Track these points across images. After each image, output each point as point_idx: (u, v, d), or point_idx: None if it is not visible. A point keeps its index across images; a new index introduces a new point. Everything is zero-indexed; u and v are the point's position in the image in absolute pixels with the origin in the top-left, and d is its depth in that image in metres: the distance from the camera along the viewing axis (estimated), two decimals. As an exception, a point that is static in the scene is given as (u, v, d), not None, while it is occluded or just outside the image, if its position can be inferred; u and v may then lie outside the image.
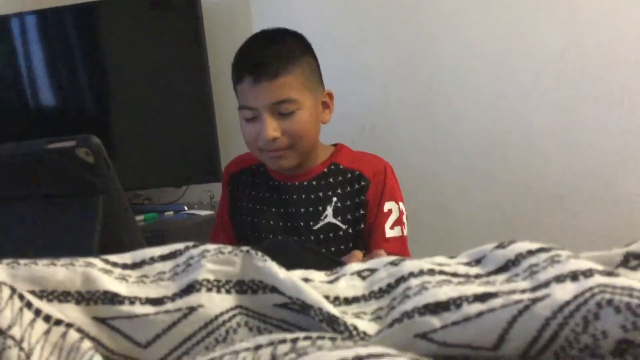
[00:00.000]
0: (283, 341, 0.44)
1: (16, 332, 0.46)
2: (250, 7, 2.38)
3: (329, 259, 0.73)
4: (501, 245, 0.52)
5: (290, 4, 2.31)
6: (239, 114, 1.35)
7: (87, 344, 0.49)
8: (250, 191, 1.44)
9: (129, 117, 2.39)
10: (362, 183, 1.36)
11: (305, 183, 1.39)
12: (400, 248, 1.33)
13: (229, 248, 0.54)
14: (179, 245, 0.56)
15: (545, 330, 0.41)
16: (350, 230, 1.35)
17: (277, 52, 1.29)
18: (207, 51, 2.24)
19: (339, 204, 1.36)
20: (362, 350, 0.38)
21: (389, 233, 1.33)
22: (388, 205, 1.34)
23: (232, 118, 2.42)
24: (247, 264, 0.52)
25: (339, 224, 1.35)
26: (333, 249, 1.34)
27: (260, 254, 0.53)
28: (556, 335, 0.41)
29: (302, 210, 1.37)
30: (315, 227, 1.36)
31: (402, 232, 1.35)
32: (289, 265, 0.54)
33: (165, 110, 2.33)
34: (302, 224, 1.37)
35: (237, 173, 1.48)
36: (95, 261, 0.54)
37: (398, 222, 1.35)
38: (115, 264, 0.55)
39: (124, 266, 0.55)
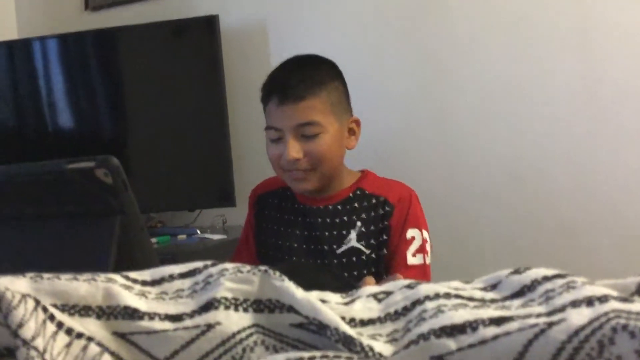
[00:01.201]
0: (300, 359, 0.44)
1: (39, 343, 0.47)
2: (267, 33, 2.41)
3: (344, 281, 0.74)
4: (517, 271, 0.53)
5: (308, 31, 2.34)
6: (266, 134, 1.37)
7: (107, 358, 0.49)
8: (276, 213, 1.46)
9: (145, 141, 2.42)
10: (387, 208, 1.36)
11: (330, 207, 1.40)
12: (421, 276, 1.32)
13: (248, 267, 0.55)
14: (198, 264, 0.57)
15: (560, 354, 0.41)
16: (373, 255, 1.36)
17: (304, 76, 1.33)
18: (225, 76, 2.27)
19: (363, 229, 1.36)
20: (380, 368, 0.39)
21: (411, 260, 1.33)
22: (411, 233, 1.35)
23: (247, 143, 2.45)
24: (265, 283, 0.53)
25: (363, 248, 1.36)
26: (355, 273, 1.34)
27: (278, 273, 0.54)
28: (572, 359, 0.41)
29: (327, 233, 1.38)
30: (338, 251, 1.36)
31: (425, 260, 1.35)
32: (305, 287, 0.54)
33: (181, 135, 2.35)
34: (325, 247, 1.37)
35: (264, 195, 1.50)
36: (116, 277, 0.55)
37: (421, 249, 1.35)
38: (135, 281, 0.56)
39: (144, 283, 0.56)
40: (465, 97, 2.15)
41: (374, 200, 1.38)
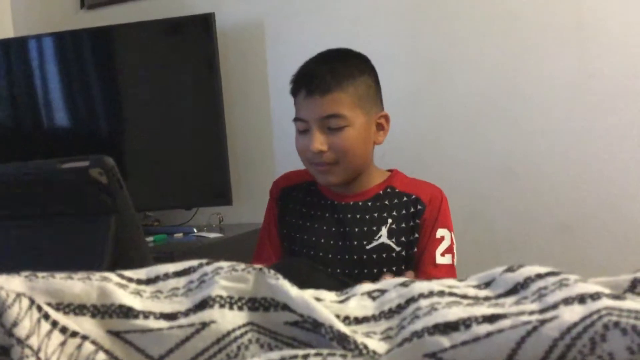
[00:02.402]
0: (294, 357, 0.44)
1: (34, 342, 0.47)
2: (264, 31, 2.41)
3: (339, 280, 0.74)
4: (510, 269, 0.53)
5: (304, 29, 2.34)
6: (295, 125, 1.39)
7: (101, 356, 0.50)
8: (301, 207, 1.46)
9: (141, 139, 2.42)
10: (419, 207, 1.37)
11: (360, 203, 1.41)
12: (449, 276, 1.33)
13: (242, 265, 0.55)
14: (193, 262, 0.57)
15: (553, 351, 0.42)
16: (403, 253, 1.37)
17: (333, 69, 1.34)
18: (221, 75, 2.27)
19: (393, 226, 1.37)
20: (373, 366, 0.39)
21: (440, 260, 1.34)
22: (441, 232, 1.36)
23: (244, 142, 2.45)
24: (260, 282, 0.53)
25: (393, 245, 1.36)
26: (385, 269, 1.35)
27: (272, 272, 0.54)
28: (564, 356, 0.41)
29: (357, 229, 1.39)
30: (368, 247, 1.37)
31: (453, 261, 1.36)
32: (300, 285, 0.55)
33: (177, 133, 2.35)
34: (355, 242, 1.38)
35: (287, 188, 1.50)
36: (111, 276, 0.55)
37: (449, 250, 1.36)
38: (130, 279, 0.56)
39: (139, 281, 0.56)
40: (460, 93, 2.16)
41: (405, 198, 1.39)
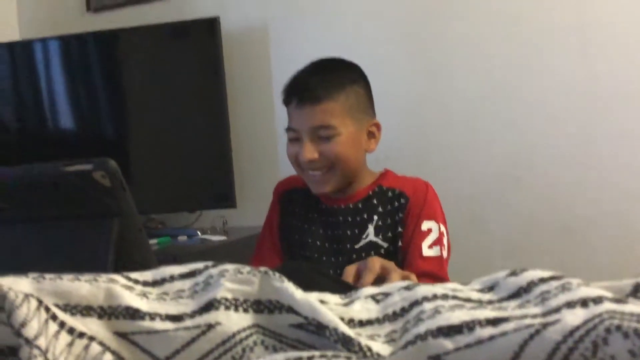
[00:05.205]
0: (299, 359, 0.45)
1: (42, 342, 0.47)
2: (268, 35, 2.42)
3: (342, 283, 0.75)
4: (513, 273, 0.53)
5: (309, 34, 2.35)
6: (286, 133, 1.41)
7: (108, 357, 0.50)
8: (300, 210, 1.48)
9: (146, 142, 2.43)
10: (402, 201, 1.38)
11: (350, 206, 1.42)
12: (437, 268, 1.31)
13: (247, 268, 0.55)
14: (199, 265, 0.57)
15: (555, 354, 0.42)
16: (391, 248, 1.37)
17: (323, 79, 1.35)
18: (225, 78, 2.28)
19: (379, 222, 1.38)
20: (377, 368, 0.39)
21: (427, 252, 1.33)
22: (427, 224, 1.35)
23: (248, 145, 2.45)
24: (265, 284, 0.54)
25: (380, 242, 1.37)
26: None
27: (277, 274, 0.54)
28: (566, 359, 0.42)
29: (348, 232, 1.40)
30: (357, 247, 1.38)
31: (442, 252, 1.33)
32: (304, 288, 0.55)
33: (182, 136, 2.36)
34: (347, 245, 1.40)
35: (289, 191, 1.52)
36: (118, 277, 0.55)
37: (437, 242, 1.34)
38: (136, 281, 0.56)
39: (145, 283, 0.56)
40: (462, 97, 2.16)
41: (390, 194, 1.40)
